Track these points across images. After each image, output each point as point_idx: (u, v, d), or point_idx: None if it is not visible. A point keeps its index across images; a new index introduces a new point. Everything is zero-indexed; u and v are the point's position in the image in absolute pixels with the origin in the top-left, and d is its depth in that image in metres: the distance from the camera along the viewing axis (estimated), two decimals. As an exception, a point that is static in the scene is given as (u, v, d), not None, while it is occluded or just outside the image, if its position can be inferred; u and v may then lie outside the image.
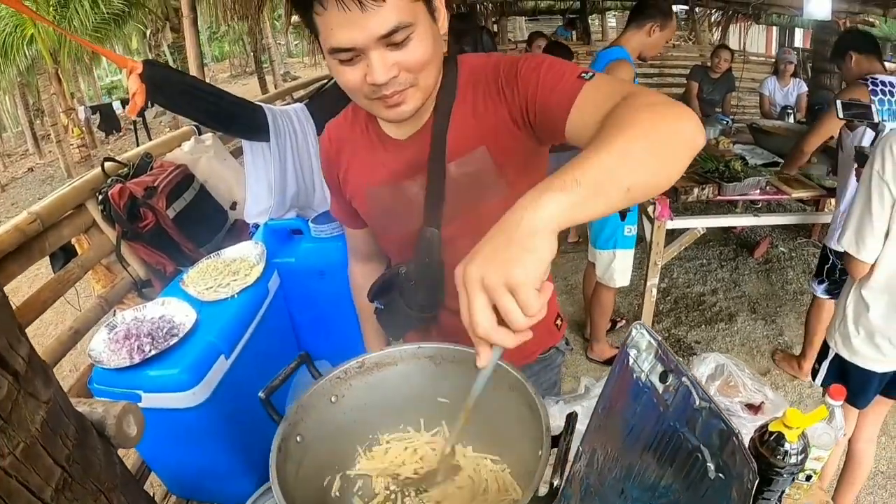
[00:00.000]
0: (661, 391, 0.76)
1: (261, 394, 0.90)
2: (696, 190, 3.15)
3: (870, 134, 2.59)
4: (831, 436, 1.10)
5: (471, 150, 1.02)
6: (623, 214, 3.00)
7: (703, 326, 3.88)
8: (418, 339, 1.28)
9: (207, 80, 3.01)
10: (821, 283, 3.00)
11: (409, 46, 0.86)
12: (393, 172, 1.10)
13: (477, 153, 1.02)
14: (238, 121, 2.09)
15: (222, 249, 1.70)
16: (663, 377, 0.77)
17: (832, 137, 2.94)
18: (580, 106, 0.85)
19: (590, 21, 11.07)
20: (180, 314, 1.37)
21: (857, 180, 1.92)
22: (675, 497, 0.72)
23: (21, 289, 3.45)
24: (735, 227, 5.09)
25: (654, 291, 3.46)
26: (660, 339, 0.79)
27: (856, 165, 2.11)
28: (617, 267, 3.15)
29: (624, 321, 3.88)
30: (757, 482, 0.57)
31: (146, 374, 1.22)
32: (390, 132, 1.09)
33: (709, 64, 5.55)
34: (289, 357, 0.99)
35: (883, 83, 2.63)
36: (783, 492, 0.98)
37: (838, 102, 2.22)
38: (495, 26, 10.96)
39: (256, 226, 2.10)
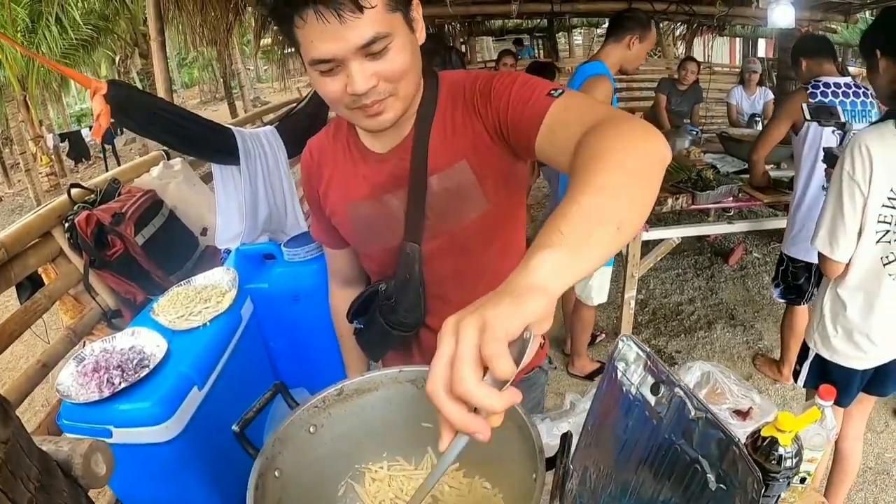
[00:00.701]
0: (653, 404, 0.74)
1: (234, 427, 0.86)
2: (669, 201, 3.18)
3: (814, 131, 2.64)
4: (823, 436, 1.09)
5: (451, 164, 1.03)
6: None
7: (683, 336, 3.89)
8: (399, 359, 1.28)
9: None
10: (777, 286, 3.08)
11: (387, 56, 0.87)
12: (374, 186, 1.09)
13: (458, 167, 1.03)
14: (207, 143, 2.06)
15: (193, 277, 1.64)
16: (655, 389, 0.74)
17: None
18: (548, 125, 0.87)
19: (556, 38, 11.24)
20: (151, 344, 1.31)
21: (828, 181, 1.94)
22: (674, 513, 0.69)
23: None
24: (709, 236, 5.15)
25: (633, 304, 3.46)
26: (648, 350, 0.77)
27: (825, 167, 2.14)
28: (594, 284, 3.13)
29: (603, 335, 3.88)
30: (763, 490, 0.55)
31: (116, 408, 1.16)
32: (371, 146, 1.09)
33: (676, 76, 5.64)
34: (264, 386, 0.95)
35: (826, 84, 2.68)
36: (779, 496, 0.96)
37: (804, 105, 2.26)
38: (464, 46, 11.05)
39: (228, 251, 2.06)
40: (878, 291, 1.80)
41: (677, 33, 10.01)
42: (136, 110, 1.91)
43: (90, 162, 14.07)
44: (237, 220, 2.11)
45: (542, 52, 11.90)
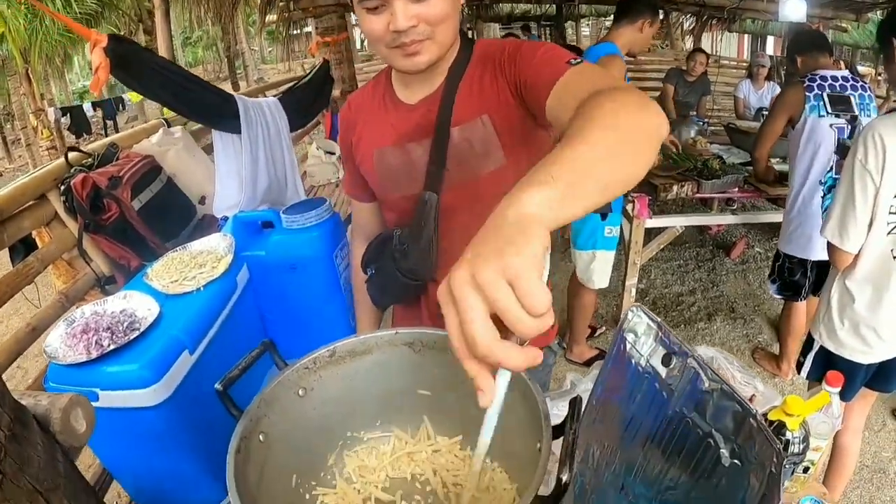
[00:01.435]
0: (664, 376, 0.70)
1: (217, 385, 0.80)
2: (675, 188, 3.15)
3: (811, 124, 2.59)
4: (829, 424, 1.07)
5: (474, 117, 1.09)
6: (604, 215, 2.96)
7: (683, 326, 3.87)
8: (405, 313, 1.38)
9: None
10: (773, 282, 3.07)
11: (430, 1, 0.96)
12: (400, 134, 1.17)
13: (480, 121, 1.09)
14: (208, 108, 2.01)
15: (189, 243, 1.61)
16: (666, 360, 0.71)
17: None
18: (559, 89, 0.92)
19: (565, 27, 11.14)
20: (142, 307, 1.28)
21: (838, 173, 1.91)
22: (683, 490, 0.66)
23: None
24: (711, 229, 5.13)
25: (634, 291, 3.44)
26: (659, 320, 0.74)
27: (837, 158, 2.10)
28: (596, 268, 3.10)
29: (604, 328, 3.85)
30: (783, 464, 0.51)
31: (104, 370, 1.12)
32: (403, 97, 1.17)
33: (684, 67, 5.59)
34: (257, 354, 0.91)
35: (824, 78, 2.64)
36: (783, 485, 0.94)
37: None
38: (471, 32, 10.95)
39: (226, 219, 2.02)
40: (888, 284, 1.77)
41: (686, 26, 9.94)
42: (137, 66, 1.85)
43: (91, 137, 13.99)
44: (236, 188, 2.07)
45: (548, 41, 11.79)
